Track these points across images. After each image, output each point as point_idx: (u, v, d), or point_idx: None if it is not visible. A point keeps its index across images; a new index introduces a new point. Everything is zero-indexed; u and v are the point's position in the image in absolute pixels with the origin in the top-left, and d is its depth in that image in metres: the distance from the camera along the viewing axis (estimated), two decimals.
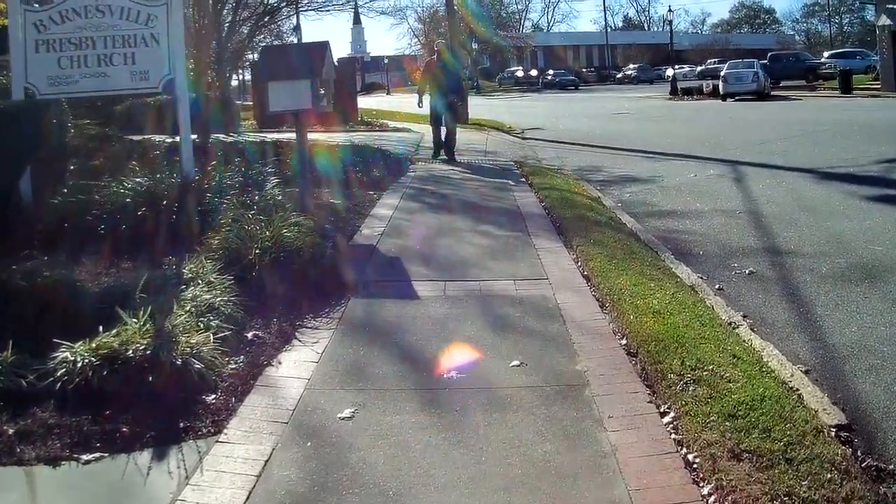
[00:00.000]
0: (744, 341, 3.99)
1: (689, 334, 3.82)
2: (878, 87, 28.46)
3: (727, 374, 3.34)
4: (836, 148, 11.87)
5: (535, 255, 5.55)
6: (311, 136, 15.06)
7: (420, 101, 11.46)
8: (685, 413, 3.01)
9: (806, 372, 3.72)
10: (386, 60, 68.01)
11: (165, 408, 3.11)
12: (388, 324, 4.16)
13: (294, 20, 35.00)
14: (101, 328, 3.46)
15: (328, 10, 20.61)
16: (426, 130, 11.65)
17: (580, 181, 10.05)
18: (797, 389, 3.41)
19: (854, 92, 28.06)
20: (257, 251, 4.52)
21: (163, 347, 3.35)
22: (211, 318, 3.85)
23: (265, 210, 5.29)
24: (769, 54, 38.73)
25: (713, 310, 4.47)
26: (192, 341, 3.50)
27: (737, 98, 27.95)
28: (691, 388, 3.22)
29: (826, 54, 41.88)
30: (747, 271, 5.50)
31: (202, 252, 4.69)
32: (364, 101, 36.34)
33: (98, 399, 3.11)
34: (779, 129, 15.65)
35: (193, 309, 3.86)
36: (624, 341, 3.85)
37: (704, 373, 3.36)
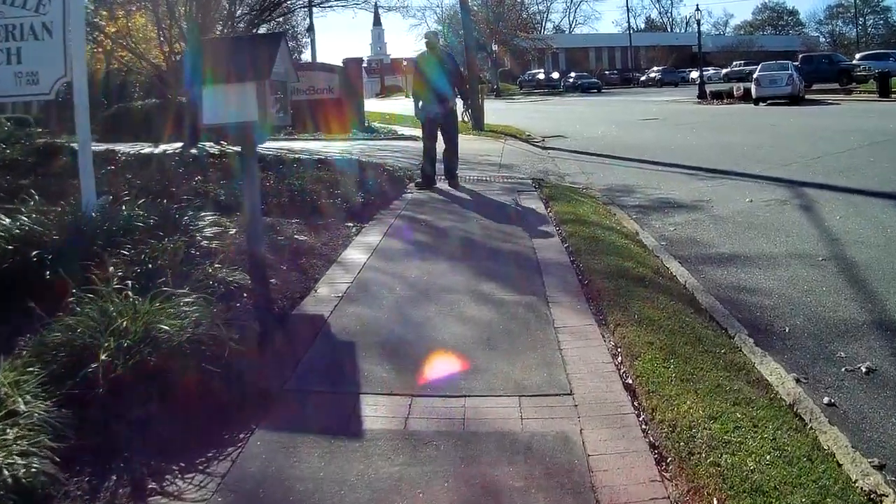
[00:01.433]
0: None
1: None
2: None
3: None
4: None
5: (553, 342, 3.78)
6: (303, 145, 13.54)
7: (417, 111, 9.44)
8: None
9: None
10: (405, 63, 66.25)
11: None
12: (298, 499, 2.45)
13: (307, 21, 33.64)
14: None
15: (331, 7, 18.99)
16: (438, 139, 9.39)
17: (611, 206, 8.27)
18: None
19: (893, 96, 25.85)
20: (105, 356, 2.83)
21: None
22: None
23: (151, 273, 3.61)
24: (800, 56, 36.61)
25: (837, 462, 2.72)
26: None
27: (769, 102, 25.85)
28: None
29: (858, 56, 39.58)
30: (863, 368, 3.73)
31: (32, 350, 3.03)
32: (380, 105, 34.90)
33: None
34: (832, 139, 13.61)
35: None
36: None
37: None
